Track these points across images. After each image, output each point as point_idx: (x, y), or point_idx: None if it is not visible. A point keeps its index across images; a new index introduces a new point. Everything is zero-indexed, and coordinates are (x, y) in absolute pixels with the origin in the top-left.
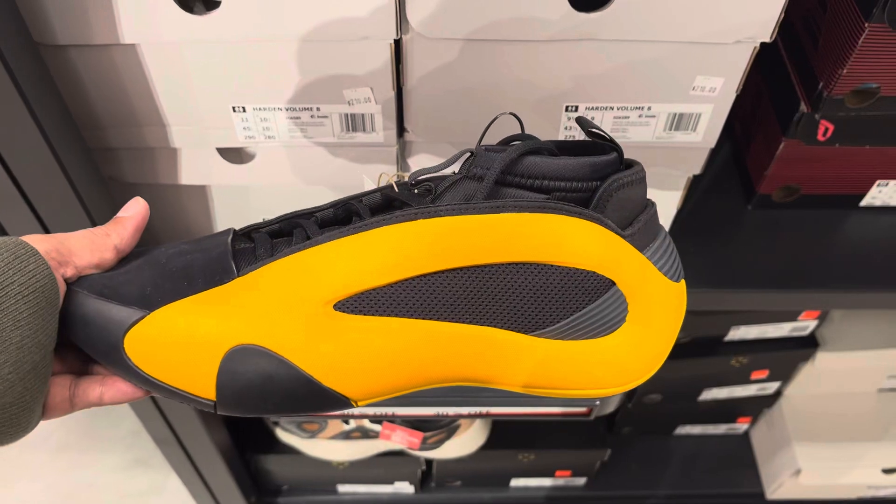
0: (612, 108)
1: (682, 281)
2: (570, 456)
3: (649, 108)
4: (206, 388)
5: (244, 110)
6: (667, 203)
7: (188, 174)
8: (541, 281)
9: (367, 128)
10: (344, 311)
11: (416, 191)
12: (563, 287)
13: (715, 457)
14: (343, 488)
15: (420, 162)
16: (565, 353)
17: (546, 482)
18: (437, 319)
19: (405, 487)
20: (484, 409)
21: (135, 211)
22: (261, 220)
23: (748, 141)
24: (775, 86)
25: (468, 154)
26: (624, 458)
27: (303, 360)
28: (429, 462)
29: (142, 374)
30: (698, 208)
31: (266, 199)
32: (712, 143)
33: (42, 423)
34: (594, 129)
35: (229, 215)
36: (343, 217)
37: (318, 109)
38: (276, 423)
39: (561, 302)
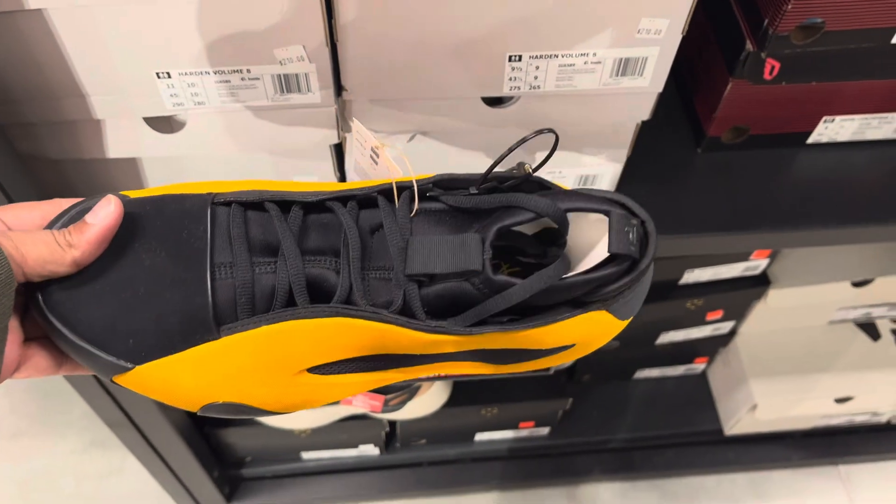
0: (556, 56)
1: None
2: (532, 407)
3: (594, 55)
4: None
5: (169, 76)
6: (616, 151)
7: (115, 147)
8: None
9: (303, 88)
10: (314, 373)
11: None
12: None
13: (673, 398)
14: (307, 455)
15: (362, 122)
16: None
17: (510, 434)
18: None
19: (370, 450)
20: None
21: (103, 216)
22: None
23: (695, 84)
24: (721, 26)
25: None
26: (585, 405)
27: (272, 407)
28: (392, 423)
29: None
30: (648, 154)
31: (202, 168)
32: (660, 87)
33: None
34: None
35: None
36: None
37: (248, 71)
38: None
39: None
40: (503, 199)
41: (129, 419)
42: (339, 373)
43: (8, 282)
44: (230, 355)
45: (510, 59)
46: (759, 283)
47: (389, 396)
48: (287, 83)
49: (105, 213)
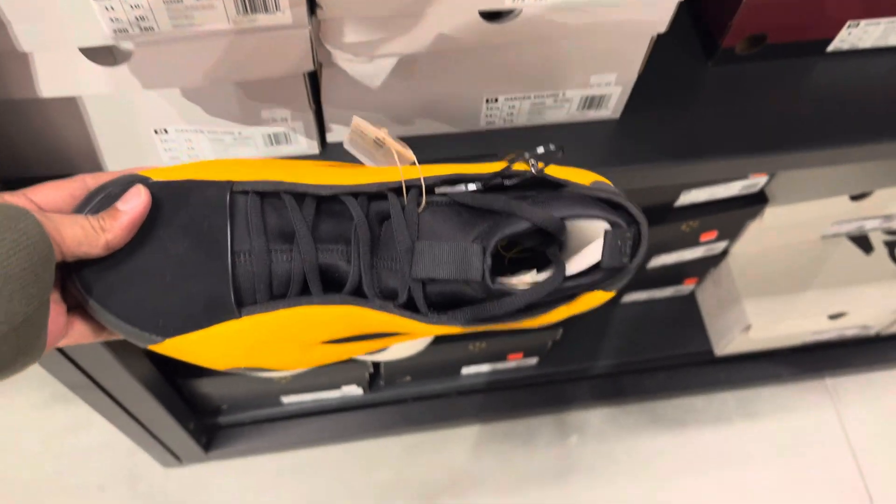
0: None
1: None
2: (522, 340)
3: None
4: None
5: None
6: (626, 69)
7: (48, 84)
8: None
9: (270, 6)
10: (328, 345)
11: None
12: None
13: (662, 320)
14: (287, 399)
15: (337, 47)
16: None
17: (498, 366)
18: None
19: (353, 391)
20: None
21: (134, 205)
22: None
23: None
24: None
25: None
26: (573, 331)
27: (288, 369)
28: (376, 364)
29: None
30: (655, 71)
31: (154, 108)
32: None
33: None
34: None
35: (113, 133)
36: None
37: None
38: None
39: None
40: (504, 206)
41: (91, 379)
42: (351, 342)
43: (49, 258)
44: (250, 332)
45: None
46: (757, 202)
47: None
48: (251, 0)
49: (136, 203)
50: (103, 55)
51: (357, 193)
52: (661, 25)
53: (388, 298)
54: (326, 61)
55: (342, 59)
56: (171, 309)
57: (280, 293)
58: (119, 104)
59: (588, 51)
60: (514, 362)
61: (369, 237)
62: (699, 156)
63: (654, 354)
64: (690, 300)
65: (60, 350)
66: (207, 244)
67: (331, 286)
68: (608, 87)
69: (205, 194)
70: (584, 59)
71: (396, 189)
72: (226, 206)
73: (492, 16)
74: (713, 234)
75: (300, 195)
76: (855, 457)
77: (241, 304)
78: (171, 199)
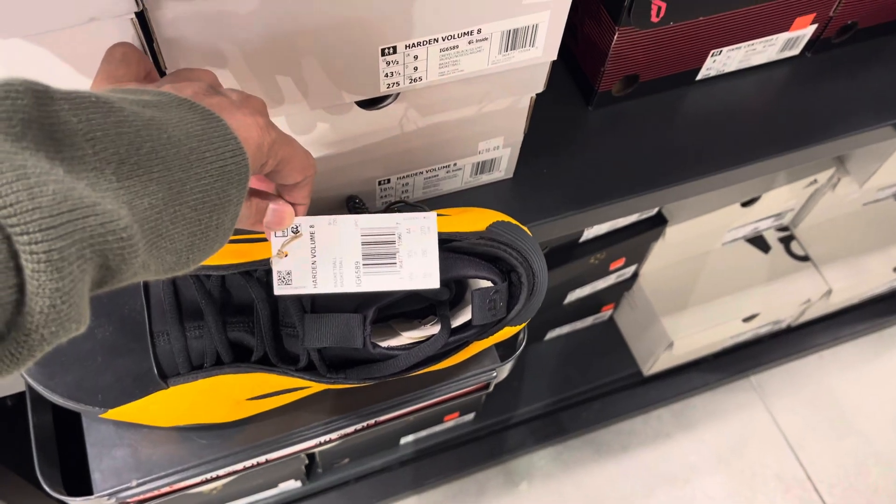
0: (436, 41)
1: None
2: (454, 403)
3: (479, 31)
4: None
5: None
6: (512, 131)
7: None
8: None
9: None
10: (256, 399)
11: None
12: None
13: (587, 350)
14: None
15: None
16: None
17: (436, 429)
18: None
19: (291, 485)
20: (372, 420)
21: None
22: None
23: (578, 41)
24: None
25: None
26: (504, 379)
27: (228, 420)
28: (311, 454)
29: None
30: (540, 124)
31: None
32: (554, 54)
33: None
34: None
35: None
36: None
37: None
38: None
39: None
40: None
41: None
42: (277, 395)
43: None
44: (180, 398)
45: (384, 53)
46: (657, 224)
47: None
48: None
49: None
50: None
51: (253, 271)
52: (539, 86)
53: (291, 363)
54: None
55: None
56: (106, 385)
57: (199, 364)
58: None
59: (472, 121)
60: (451, 422)
61: (269, 312)
62: (596, 201)
63: (586, 385)
64: (611, 325)
65: None
66: (130, 326)
67: (241, 354)
68: (497, 151)
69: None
70: (469, 129)
71: None
72: (140, 291)
73: (370, 104)
74: (621, 262)
75: (204, 276)
76: (791, 447)
77: (166, 376)
78: None
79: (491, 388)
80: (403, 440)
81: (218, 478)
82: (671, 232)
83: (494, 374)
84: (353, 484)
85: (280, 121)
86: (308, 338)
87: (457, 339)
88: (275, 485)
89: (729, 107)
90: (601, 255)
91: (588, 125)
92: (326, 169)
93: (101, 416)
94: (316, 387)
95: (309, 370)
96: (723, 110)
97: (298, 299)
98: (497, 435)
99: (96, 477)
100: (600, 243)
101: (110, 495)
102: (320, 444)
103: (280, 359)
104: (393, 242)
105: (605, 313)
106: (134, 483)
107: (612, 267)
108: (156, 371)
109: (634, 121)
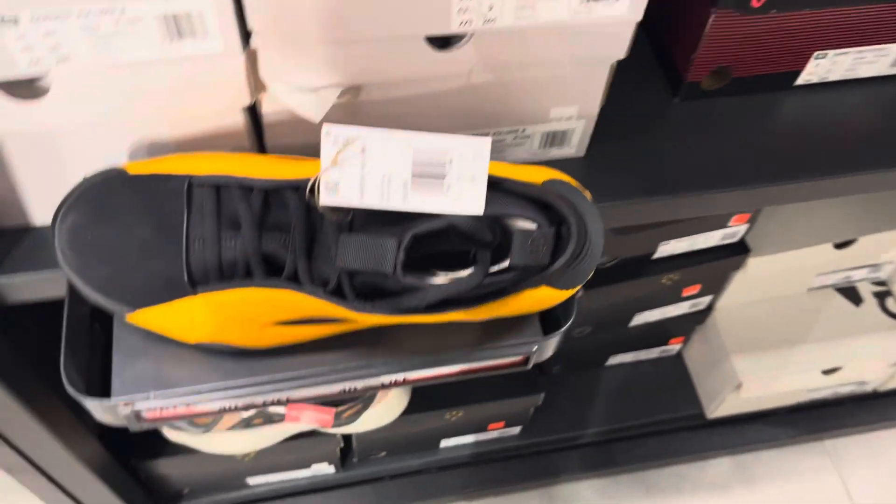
0: None
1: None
2: (501, 406)
3: None
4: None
5: (16, 23)
6: (587, 101)
7: None
8: None
9: (198, 31)
10: (282, 326)
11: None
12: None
13: (650, 383)
14: (254, 480)
15: (274, 78)
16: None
17: (479, 437)
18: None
19: (324, 469)
20: (401, 377)
21: None
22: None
23: (669, 22)
24: None
25: None
26: (557, 398)
27: (252, 346)
28: (347, 437)
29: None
30: (621, 107)
31: (79, 146)
32: (640, 14)
33: None
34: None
35: (35, 172)
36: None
37: (123, 12)
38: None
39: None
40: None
41: (30, 462)
42: (304, 324)
43: None
44: (206, 308)
45: None
46: (738, 252)
47: (341, 409)
48: (178, 25)
49: None
50: (21, 89)
51: (299, 187)
52: (621, 51)
53: (321, 285)
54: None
55: (280, 91)
56: (137, 284)
57: (229, 275)
58: (42, 142)
59: (545, 81)
60: (495, 432)
61: (305, 228)
62: (673, 192)
63: (644, 420)
64: (678, 361)
65: None
66: (167, 230)
67: (273, 271)
68: (570, 122)
69: (168, 186)
70: (542, 89)
71: None
72: (183, 197)
73: (441, 45)
74: (696, 288)
75: (249, 188)
76: None
77: (196, 283)
78: (140, 190)
79: (530, 365)
80: (444, 443)
81: (237, 408)
82: (754, 264)
83: (535, 346)
84: (387, 481)
85: (352, 55)
86: (341, 256)
87: (492, 281)
88: (308, 465)
89: (830, 119)
90: (674, 276)
91: (672, 117)
92: (388, 114)
93: (128, 319)
94: (345, 325)
95: (337, 294)
96: (822, 122)
97: (337, 222)
98: (543, 455)
99: (116, 383)
100: (675, 263)
101: (127, 403)
102: (345, 393)
103: (310, 280)
104: (444, 164)
105: (673, 347)
106: (151, 395)
107: (686, 293)
108: (186, 276)
109: (723, 119)
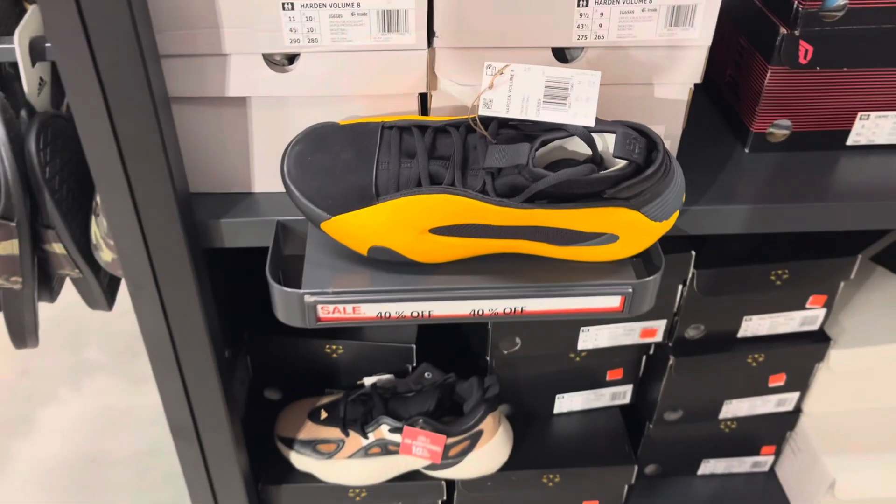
0: (618, 2)
1: (671, 217)
2: (596, 474)
3: (651, 1)
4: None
5: (292, 7)
6: (672, 120)
7: (236, 84)
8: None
9: (402, 27)
10: (434, 234)
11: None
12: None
13: (740, 497)
14: None
15: (444, 73)
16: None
17: None
18: (495, 238)
19: None
20: (519, 307)
21: None
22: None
23: (735, 89)
24: (750, 26)
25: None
26: (652, 496)
27: (410, 254)
28: (450, 490)
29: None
30: (696, 156)
31: (300, 115)
32: (709, 39)
33: None
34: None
35: (264, 138)
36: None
37: (358, 6)
38: (291, 447)
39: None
40: (550, 126)
41: (195, 425)
42: (450, 235)
43: None
44: (383, 214)
45: (579, 4)
46: (819, 340)
47: (450, 442)
48: (389, 20)
49: None
50: (276, 65)
51: (459, 125)
52: (696, 75)
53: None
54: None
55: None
56: (338, 193)
57: (405, 189)
58: (276, 108)
59: (637, 99)
60: None
61: (462, 153)
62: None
63: None
64: (771, 478)
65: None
66: (364, 156)
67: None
68: None
69: (367, 129)
70: (635, 106)
71: (485, 122)
72: (377, 134)
73: (561, 60)
74: (781, 378)
75: (424, 128)
76: None
77: (380, 194)
78: (347, 132)
79: (626, 312)
80: None
81: (389, 317)
82: (836, 356)
83: (630, 288)
84: None
85: (499, 60)
86: (488, 159)
87: (600, 175)
88: None
89: (879, 180)
90: (759, 356)
91: (741, 163)
92: None
93: (322, 226)
94: (485, 244)
95: (483, 192)
96: (871, 181)
97: (486, 139)
98: None
99: (305, 281)
100: (758, 344)
101: (312, 294)
102: (474, 315)
103: (463, 186)
104: (566, 88)
105: (765, 459)
106: (330, 290)
107: (772, 382)
108: (374, 189)
109: (786, 167)
